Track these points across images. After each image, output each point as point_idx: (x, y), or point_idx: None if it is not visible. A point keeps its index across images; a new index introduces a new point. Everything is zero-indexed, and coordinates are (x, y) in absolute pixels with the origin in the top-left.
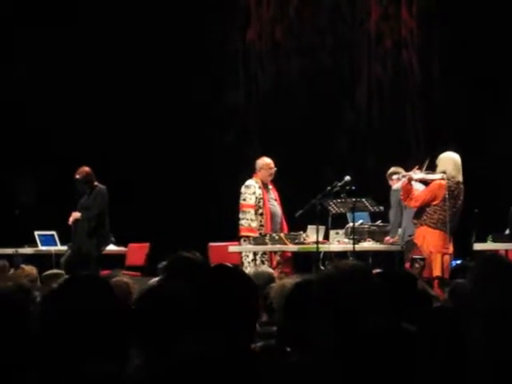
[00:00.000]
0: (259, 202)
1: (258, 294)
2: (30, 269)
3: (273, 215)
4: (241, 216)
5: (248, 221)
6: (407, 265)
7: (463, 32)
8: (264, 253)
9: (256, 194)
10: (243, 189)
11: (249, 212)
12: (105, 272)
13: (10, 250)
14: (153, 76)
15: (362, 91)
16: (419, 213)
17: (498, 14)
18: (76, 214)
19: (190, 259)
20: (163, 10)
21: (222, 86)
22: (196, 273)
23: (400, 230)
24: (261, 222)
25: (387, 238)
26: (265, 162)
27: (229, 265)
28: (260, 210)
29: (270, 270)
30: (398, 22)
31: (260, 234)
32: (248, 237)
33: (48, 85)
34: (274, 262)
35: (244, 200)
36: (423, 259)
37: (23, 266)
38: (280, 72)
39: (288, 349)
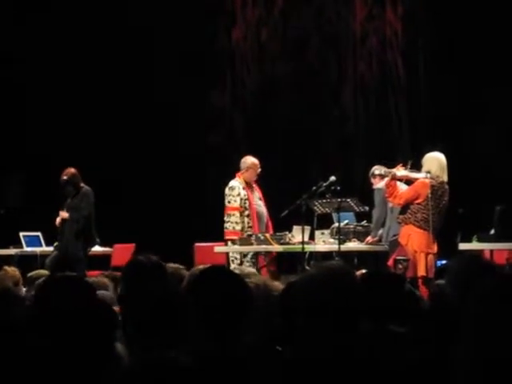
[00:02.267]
0: (245, 204)
1: (251, 294)
2: (13, 270)
3: (259, 215)
4: (225, 219)
5: (232, 224)
6: (390, 264)
7: (448, 32)
8: (254, 255)
9: (241, 195)
10: (227, 191)
11: (233, 215)
12: (92, 273)
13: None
14: (139, 77)
15: (347, 91)
16: (403, 211)
17: (483, 15)
18: (64, 214)
19: (146, 263)
20: (149, 10)
21: (208, 87)
22: (153, 276)
23: (381, 230)
24: (248, 223)
25: (368, 237)
26: (253, 161)
27: (221, 266)
28: (246, 212)
29: (256, 272)
30: (382, 23)
31: (248, 235)
32: (233, 240)
33: (38, 87)
34: (264, 263)
35: (229, 202)
36: (406, 260)
37: (6, 267)
38: (266, 73)
39: (279, 347)
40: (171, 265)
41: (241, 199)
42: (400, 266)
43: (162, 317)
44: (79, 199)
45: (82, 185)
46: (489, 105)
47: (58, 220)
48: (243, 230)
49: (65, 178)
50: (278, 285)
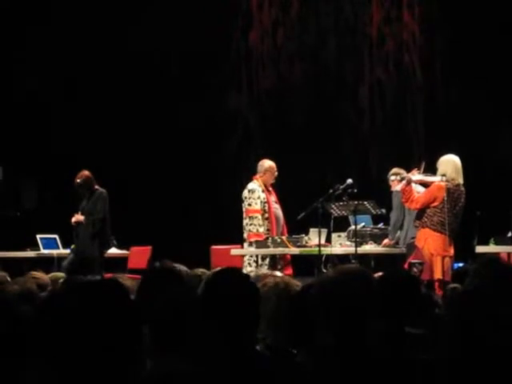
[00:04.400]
0: (264, 206)
1: (259, 296)
2: (40, 275)
3: (277, 219)
4: (248, 222)
5: (256, 226)
6: (406, 267)
7: (465, 35)
8: (272, 257)
9: (261, 198)
10: (247, 193)
11: (256, 217)
12: (108, 275)
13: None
14: (154, 79)
15: (364, 94)
16: (420, 215)
17: (500, 17)
18: (79, 217)
19: (166, 270)
20: (164, 13)
21: (224, 89)
22: (171, 283)
23: (399, 233)
24: (267, 226)
25: (385, 240)
26: (270, 164)
27: (232, 268)
28: (266, 215)
29: (272, 273)
30: (399, 25)
31: (267, 238)
32: (250, 242)
33: (50, 89)
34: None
35: (250, 205)
36: (421, 264)
37: (33, 272)
38: (282, 75)
39: (294, 350)
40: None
41: (261, 202)
42: (415, 270)
43: (179, 324)
44: (93, 202)
45: (97, 187)
46: (507, 106)
47: (74, 219)
48: (264, 232)
49: (79, 180)
50: (299, 284)
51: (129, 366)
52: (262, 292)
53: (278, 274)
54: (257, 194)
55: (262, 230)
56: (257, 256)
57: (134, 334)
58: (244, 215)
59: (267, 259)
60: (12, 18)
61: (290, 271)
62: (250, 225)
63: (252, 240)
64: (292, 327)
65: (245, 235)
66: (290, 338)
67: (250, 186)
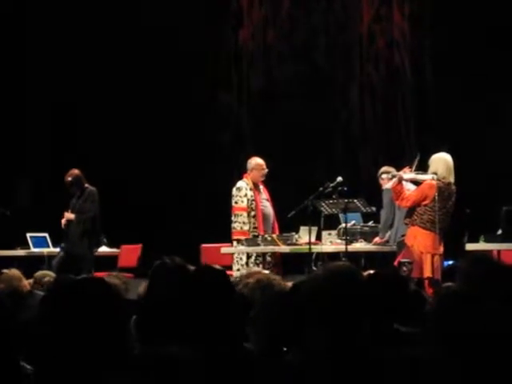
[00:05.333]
0: (251, 204)
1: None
2: (12, 272)
3: (265, 216)
4: (233, 219)
5: (240, 224)
6: (395, 265)
7: (455, 33)
8: (258, 255)
9: (248, 195)
10: (234, 191)
11: (241, 215)
12: (99, 274)
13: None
14: (145, 77)
15: (354, 92)
16: (410, 213)
17: (490, 16)
18: (69, 215)
19: (171, 265)
20: (156, 10)
21: (214, 87)
22: (179, 278)
23: (390, 231)
24: (254, 224)
25: (376, 238)
26: (257, 162)
27: (214, 266)
28: (252, 212)
29: (261, 270)
30: (389, 24)
31: (254, 235)
32: (239, 240)
33: (44, 87)
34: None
35: (236, 203)
36: (411, 263)
37: (5, 270)
38: (273, 73)
39: (284, 348)
40: None
41: (247, 200)
42: (404, 269)
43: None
44: (84, 200)
45: (87, 185)
46: (497, 106)
47: (64, 221)
48: (250, 230)
49: (69, 179)
50: (286, 284)
51: (115, 353)
52: (246, 291)
53: (266, 272)
54: (243, 192)
55: (246, 227)
56: (247, 254)
57: (118, 328)
58: (232, 213)
59: (252, 257)
60: (11, 15)
61: (278, 270)
62: (235, 222)
63: (235, 237)
64: (280, 325)
65: None
66: (278, 336)
67: (238, 183)
